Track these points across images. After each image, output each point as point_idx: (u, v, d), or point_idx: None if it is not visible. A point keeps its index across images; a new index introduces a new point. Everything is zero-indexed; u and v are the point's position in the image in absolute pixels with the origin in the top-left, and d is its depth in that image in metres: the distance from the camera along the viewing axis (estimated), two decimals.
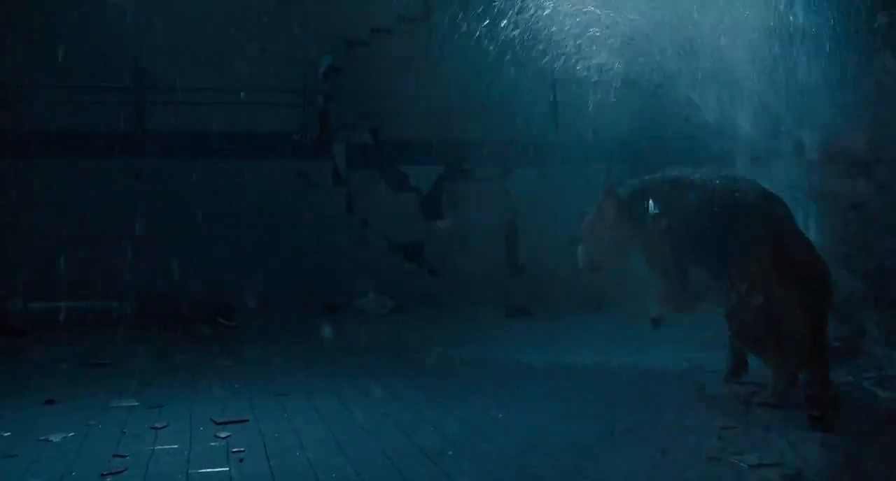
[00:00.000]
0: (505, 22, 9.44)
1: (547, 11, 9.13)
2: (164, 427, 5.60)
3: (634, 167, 13.82)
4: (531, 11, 9.25)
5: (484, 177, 13.38)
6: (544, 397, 6.62)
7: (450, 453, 4.96)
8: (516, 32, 9.41)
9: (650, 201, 4.97)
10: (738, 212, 4.83)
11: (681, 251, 5.15)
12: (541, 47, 9.89)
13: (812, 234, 6.02)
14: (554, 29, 9.05)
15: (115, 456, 4.96)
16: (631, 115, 11.62)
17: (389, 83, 12.87)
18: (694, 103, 8.69)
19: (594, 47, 9.25)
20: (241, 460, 4.86)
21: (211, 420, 5.75)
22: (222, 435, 5.38)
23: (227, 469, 4.70)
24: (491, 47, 10.27)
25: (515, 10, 9.36)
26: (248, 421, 5.75)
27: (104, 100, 12.25)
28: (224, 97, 12.30)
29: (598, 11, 8.79)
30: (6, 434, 5.50)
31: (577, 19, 8.94)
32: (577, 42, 9.23)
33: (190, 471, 4.66)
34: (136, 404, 6.27)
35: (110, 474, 4.61)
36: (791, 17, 8.08)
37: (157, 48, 12.21)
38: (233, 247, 11.98)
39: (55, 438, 5.33)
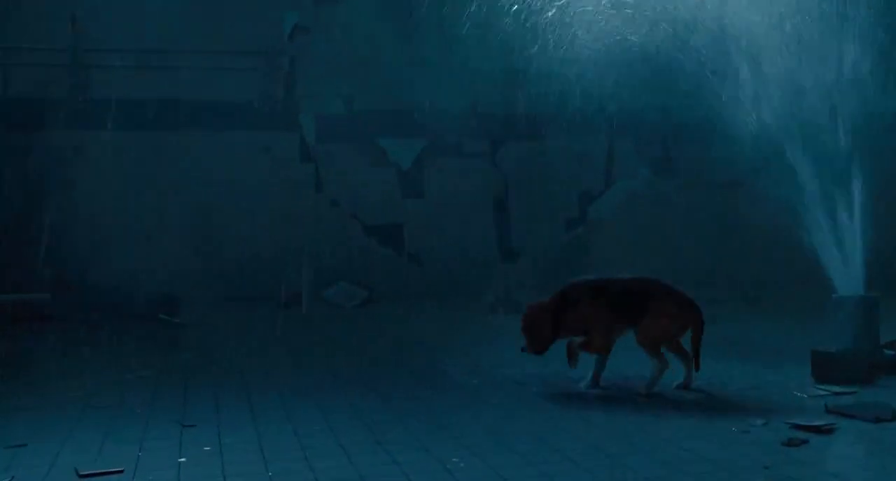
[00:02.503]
0: None
1: None
2: None
3: (640, 141, 12.49)
4: None
5: (471, 151, 11.93)
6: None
7: None
8: None
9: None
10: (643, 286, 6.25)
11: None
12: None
13: None
14: None
15: None
16: (640, 85, 10.36)
17: (364, 45, 11.39)
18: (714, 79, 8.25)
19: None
20: None
21: (76, 470, 4.34)
22: None
23: None
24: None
25: None
26: (122, 472, 4.34)
27: (38, 63, 10.80)
28: (175, 60, 10.88)
29: None
30: None
31: None
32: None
33: None
34: None
35: None
36: None
37: (99, 3, 10.73)
38: (182, 232, 10.59)
39: None
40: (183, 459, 4.58)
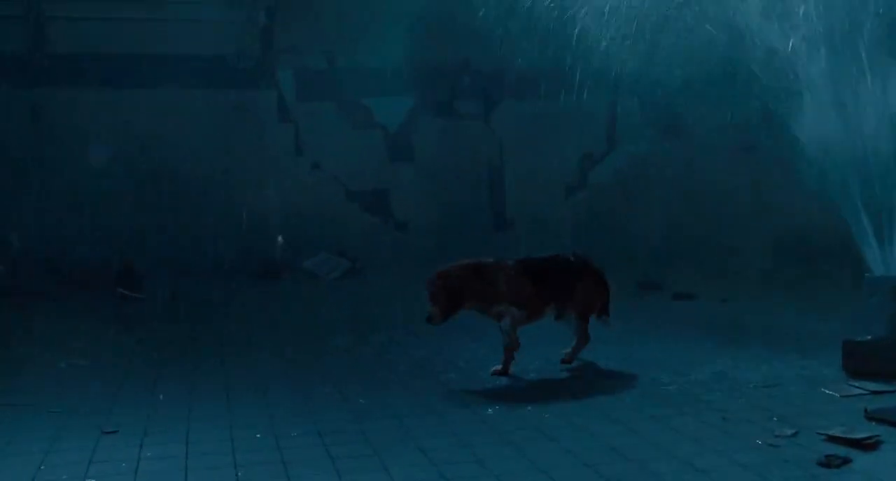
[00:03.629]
0: None
1: None
2: None
3: (645, 102, 11.50)
4: None
5: (464, 111, 10.96)
6: None
7: None
8: None
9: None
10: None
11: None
12: None
13: None
14: None
15: None
16: (646, 41, 9.47)
17: None
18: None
19: None
20: None
21: None
22: None
23: None
24: None
25: None
26: None
27: None
28: (141, 11, 9.88)
29: None
30: None
31: None
32: None
33: None
34: None
35: None
36: None
37: None
38: (148, 198, 9.68)
39: None
40: None
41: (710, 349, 6.11)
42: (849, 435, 4.13)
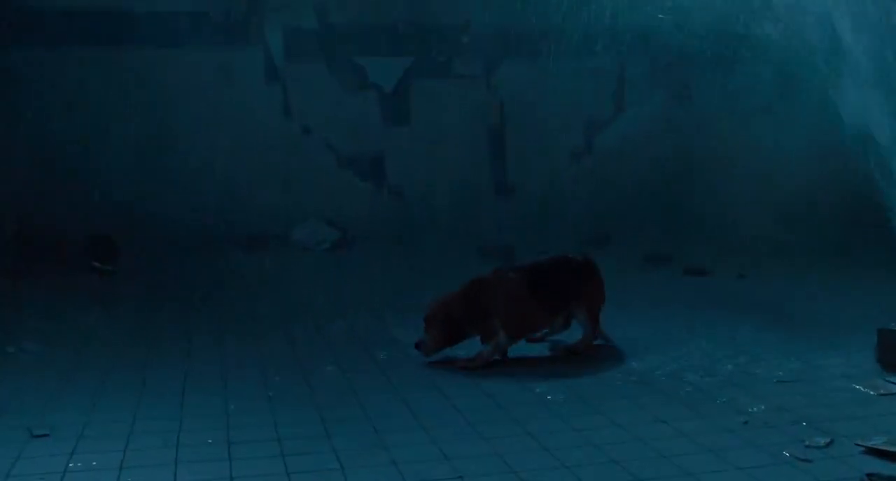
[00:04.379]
0: None
1: None
2: None
3: (656, 63, 10.77)
4: None
5: (464, 72, 10.21)
6: None
7: None
8: None
9: None
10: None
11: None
12: None
13: None
14: None
15: None
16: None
17: None
18: None
19: None
20: None
21: None
22: None
23: None
24: None
25: None
26: None
27: None
28: None
29: None
30: None
31: None
32: None
33: None
34: None
35: None
36: None
37: None
38: (124, 164, 9.01)
39: None
40: None
41: (724, 334, 5.48)
42: (893, 448, 3.51)
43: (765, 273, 7.61)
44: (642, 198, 9.87)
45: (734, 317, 5.93)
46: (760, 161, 10.06)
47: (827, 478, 3.28)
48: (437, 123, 10.07)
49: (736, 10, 9.84)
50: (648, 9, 9.60)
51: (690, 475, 3.33)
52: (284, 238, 9.27)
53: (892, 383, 4.41)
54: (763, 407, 4.07)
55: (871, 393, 4.30)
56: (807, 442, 3.62)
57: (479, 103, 10.21)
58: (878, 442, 3.56)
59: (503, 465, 3.43)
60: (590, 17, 9.41)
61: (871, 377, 4.52)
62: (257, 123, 9.56)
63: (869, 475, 3.26)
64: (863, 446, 3.56)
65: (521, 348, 5.14)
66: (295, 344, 5.59)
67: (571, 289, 5.13)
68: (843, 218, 9.34)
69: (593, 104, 10.36)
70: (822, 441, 3.63)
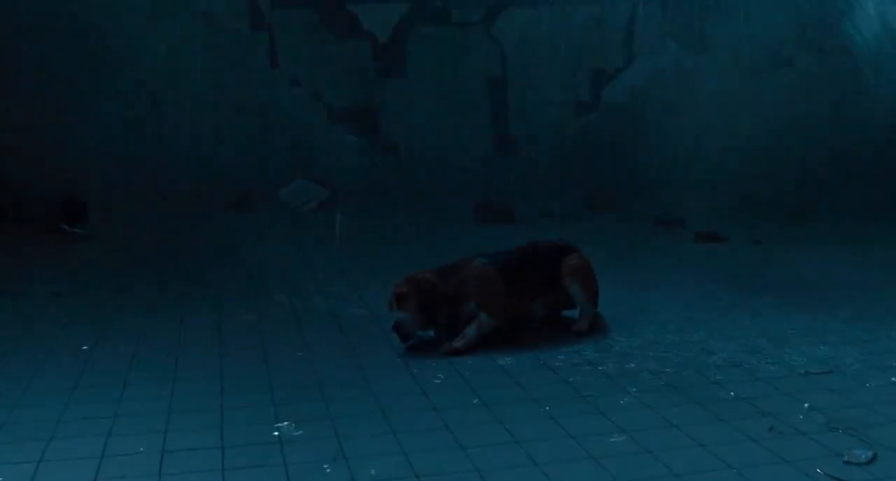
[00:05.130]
0: None
1: None
2: None
3: (668, 9, 10.01)
4: None
5: (462, 19, 9.50)
6: None
7: None
8: None
9: None
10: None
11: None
12: None
13: None
14: None
15: None
16: None
17: None
18: None
19: None
20: None
21: None
22: None
23: None
24: None
25: None
26: None
27: None
28: None
29: None
30: None
31: None
32: None
33: None
34: None
35: None
36: None
37: None
38: (95, 119, 8.38)
39: None
40: None
41: (741, 312, 4.85)
42: None
43: (784, 238, 6.96)
44: (652, 156, 9.20)
45: (751, 291, 5.29)
46: (779, 118, 9.37)
47: None
48: (434, 75, 9.39)
49: None
50: None
51: None
52: (270, 197, 8.67)
53: None
54: (790, 408, 3.46)
55: None
56: (845, 457, 3.02)
57: (479, 53, 9.51)
58: None
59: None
60: None
61: None
62: (241, 75, 8.91)
63: None
64: None
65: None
66: (279, 308, 5.07)
67: (547, 270, 4.52)
68: (866, 180, 8.68)
69: (601, 54, 9.64)
70: (864, 456, 3.02)
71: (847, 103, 9.44)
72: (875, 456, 3.04)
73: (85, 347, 4.25)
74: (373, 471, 2.98)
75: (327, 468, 3.00)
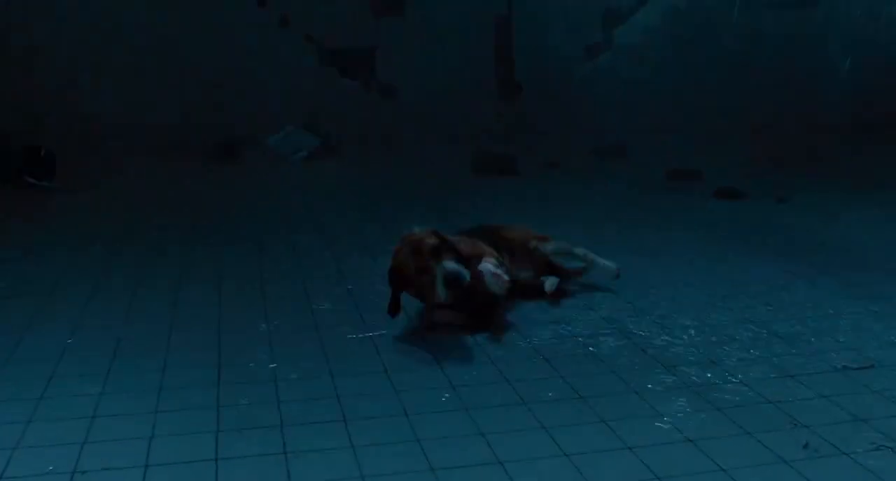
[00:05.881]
0: None
1: None
2: None
3: None
4: None
5: None
6: None
7: None
8: None
9: None
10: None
11: None
12: None
13: None
14: None
15: None
16: None
17: None
18: None
19: None
20: None
21: None
22: None
23: None
24: None
25: None
26: None
27: None
28: None
29: None
30: None
31: None
32: None
33: None
34: None
35: None
36: None
37: None
38: (66, 62, 7.74)
39: None
40: None
41: (767, 287, 4.22)
42: None
43: (810, 196, 6.30)
44: (667, 103, 8.50)
45: (778, 260, 4.67)
46: (805, 58, 8.65)
47: None
48: (434, 14, 8.68)
49: None
50: None
51: None
52: (257, 145, 8.05)
53: None
54: (828, 415, 2.87)
55: None
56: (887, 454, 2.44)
57: None
58: None
59: None
60: None
61: None
62: (227, 14, 8.22)
63: None
64: None
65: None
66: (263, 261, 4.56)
67: (488, 234, 3.97)
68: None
69: None
70: None
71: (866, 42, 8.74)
72: None
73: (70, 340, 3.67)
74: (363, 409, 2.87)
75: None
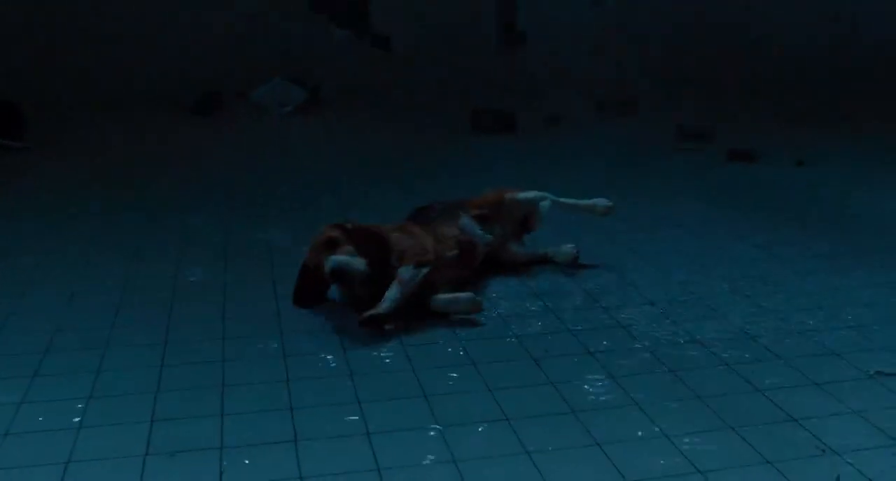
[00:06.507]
0: None
1: None
2: None
3: None
4: None
5: None
6: None
7: None
8: None
9: None
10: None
11: None
12: None
13: None
14: None
15: None
16: None
17: None
18: None
19: None
20: None
21: None
22: None
23: None
24: None
25: None
26: None
27: None
28: None
29: None
30: None
31: None
32: None
33: None
34: None
35: None
36: None
37: None
38: (35, 16, 7.22)
39: None
40: None
41: (785, 268, 3.72)
42: None
43: (832, 160, 5.76)
44: (680, 53, 7.91)
45: (798, 234, 4.16)
46: (833, 2, 8.05)
47: None
48: None
49: None
50: None
51: None
52: (241, 99, 7.53)
53: None
54: (862, 437, 2.40)
55: None
56: None
57: None
58: None
59: None
60: None
61: None
62: None
63: None
64: None
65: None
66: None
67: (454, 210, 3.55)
68: None
69: None
70: None
71: None
72: None
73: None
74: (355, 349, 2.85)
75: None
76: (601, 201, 3.82)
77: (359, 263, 3.04)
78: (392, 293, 3.07)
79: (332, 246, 3.10)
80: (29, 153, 6.09)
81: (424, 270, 3.17)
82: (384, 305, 3.04)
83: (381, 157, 5.97)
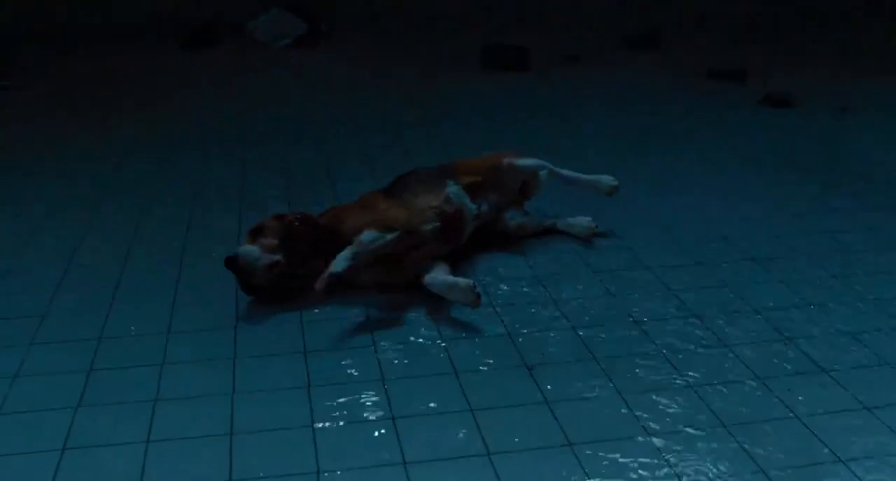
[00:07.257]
0: None
1: None
2: None
3: None
4: None
5: None
6: None
7: None
8: None
9: None
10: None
11: None
12: None
13: None
14: None
15: None
16: None
17: None
18: None
19: None
20: None
21: None
22: None
23: None
24: None
25: None
26: None
27: None
28: None
29: None
30: None
31: None
32: None
33: None
34: None
35: None
36: None
37: None
38: None
39: None
40: None
41: (829, 239, 3.19)
42: None
43: (876, 105, 5.14)
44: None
45: (839, 199, 3.60)
46: None
47: None
48: None
49: None
50: None
51: None
52: (236, 30, 6.96)
53: None
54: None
55: None
56: None
57: None
58: None
59: None
60: None
61: None
62: None
63: None
64: None
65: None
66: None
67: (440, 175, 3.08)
68: None
69: None
70: None
71: None
72: None
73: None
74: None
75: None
76: (606, 179, 3.29)
77: (264, 258, 2.75)
78: (344, 253, 2.65)
79: (257, 234, 2.83)
80: (12, 93, 5.60)
81: (389, 236, 2.70)
82: (336, 263, 2.60)
83: (382, 96, 5.45)
